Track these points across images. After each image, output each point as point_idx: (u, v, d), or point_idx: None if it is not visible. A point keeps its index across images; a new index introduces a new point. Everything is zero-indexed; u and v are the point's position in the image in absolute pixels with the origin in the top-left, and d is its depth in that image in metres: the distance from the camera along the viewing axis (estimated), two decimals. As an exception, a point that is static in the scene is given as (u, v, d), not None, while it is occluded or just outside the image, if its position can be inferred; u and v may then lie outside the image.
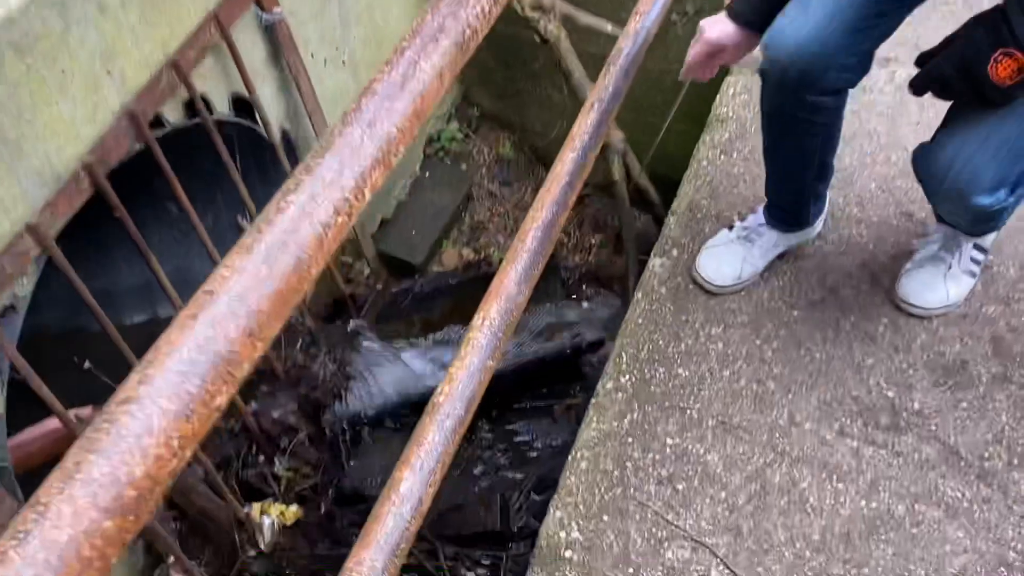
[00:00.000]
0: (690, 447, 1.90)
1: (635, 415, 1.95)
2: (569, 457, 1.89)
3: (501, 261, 3.44)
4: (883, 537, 1.77)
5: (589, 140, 1.72)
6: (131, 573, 2.28)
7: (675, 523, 1.79)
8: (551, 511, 1.81)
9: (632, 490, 1.84)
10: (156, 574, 2.31)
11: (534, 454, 3.03)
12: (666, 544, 1.77)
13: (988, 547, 1.75)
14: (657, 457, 1.88)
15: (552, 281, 3.38)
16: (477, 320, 1.42)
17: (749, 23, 1.75)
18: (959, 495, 1.82)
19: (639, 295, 2.17)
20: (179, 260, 2.78)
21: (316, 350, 2.72)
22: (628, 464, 1.88)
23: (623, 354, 2.06)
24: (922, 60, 1.57)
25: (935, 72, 1.52)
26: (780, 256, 2.18)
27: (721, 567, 1.73)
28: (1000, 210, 1.65)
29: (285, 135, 2.64)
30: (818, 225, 2.19)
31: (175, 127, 2.19)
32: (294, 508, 2.54)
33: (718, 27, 1.78)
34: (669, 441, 1.91)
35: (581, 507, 1.82)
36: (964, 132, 1.58)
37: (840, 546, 1.76)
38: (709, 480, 1.85)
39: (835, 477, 1.85)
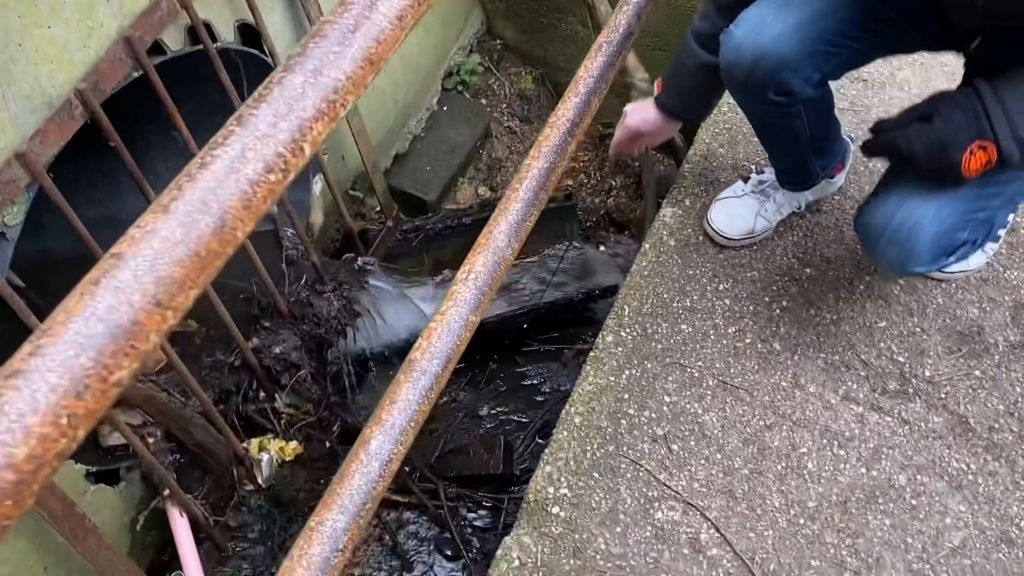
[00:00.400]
0: (688, 406, 1.84)
1: (633, 371, 1.90)
2: (563, 411, 1.85)
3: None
4: (881, 507, 1.71)
5: (595, 84, 1.63)
6: (128, 505, 2.29)
7: (667, 483, 1.74)
8: (541, 465, 1.78)
9: (625, 448, 1.80)
10: (152, 506, 2.32)
11: (541, 398, 3.00)
12: (656, 504, 1.73)
13: (990, 523, 1.69)
14: (653, 415, 1.84)
15: (569, 223, 3.31)
16: (462, 273, 1.36)
17: (674, 114, 1.90)
18: (964, 467, 1.76)
19: (646, 246, 2.10)
20: (186, 189, 2.73)
21: (321, 286, 2.67)
22: (623, 421, 1.83)
23: (625, 307, 1.99)
24: (880, 127, 1.50)
25: (903, 146, 1.44)
26: (797, 210, 2.10)
27: (712, 530, 1.69)
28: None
29: (294, 65, 2.57)
30: (839, 179, 2.10)
31: (175, 54, 2.12)
32: (294, 444, 2.53)
33: (640, 115, 1.95)
34: (667, 399, 1.86)
35: (572, 463, 1.78)
36: (906, 189, 1.50)
37: (836, 514, 1.71)
38: (705, 441, 1.80)
39: (836, 443, 1.79)
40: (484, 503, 2.73)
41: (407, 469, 2.74)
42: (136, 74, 2.02)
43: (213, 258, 0.64)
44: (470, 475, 2.74)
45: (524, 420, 2.95)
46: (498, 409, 2.98)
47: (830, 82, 1.72)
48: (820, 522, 1.70)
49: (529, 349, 3.10)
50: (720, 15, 1.70)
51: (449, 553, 2.70)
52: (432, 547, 2.72)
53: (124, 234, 0.63)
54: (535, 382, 3.07)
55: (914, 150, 1.41)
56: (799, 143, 1.80)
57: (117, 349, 0.59)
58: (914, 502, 1.72)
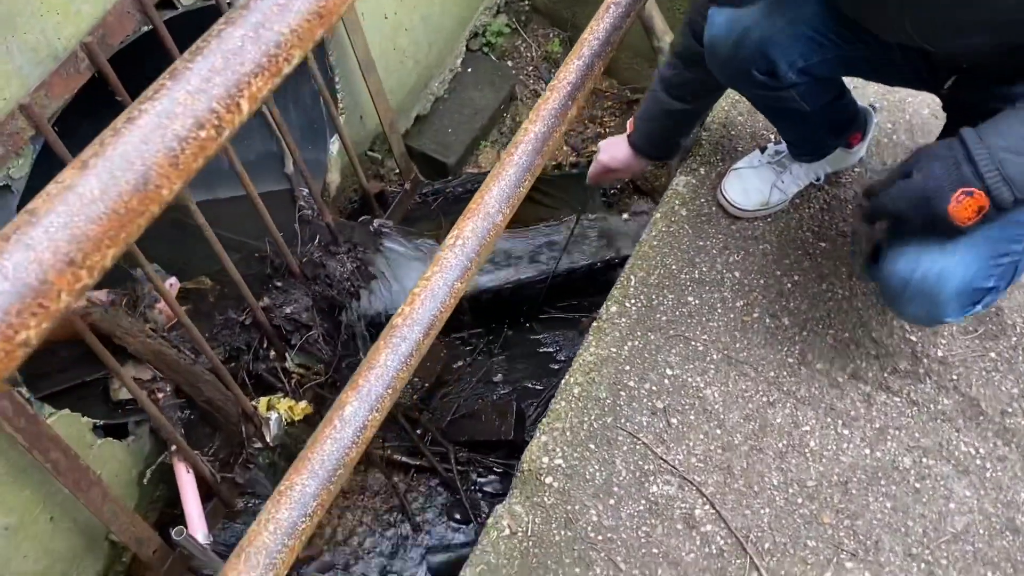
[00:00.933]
0: (690, 379, 1.81)
1: (636, 342, 1.86)
2: (562, 381, 1.82)
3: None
4: (883, 489, 1.67)
5: (599, 47, 1.59)
6: (136, 459, 2.31)
7: (664, 457, 1.72)
8: (537, 435, 1.76)
9: (623, 420, 1.77)
10: (160, 461, 2.34)
11: (556, 366, 2.98)
12: (652, 478, 1.70)
13: (996, 509, 1.65)
14: (654, 388, 1.80)
15: (592, 190, 3.26)
16: (449, 239, 1.34)
17: (643, 152, 1.99)
18: (972, 451, 1.71)
19: (657, 215, 2.05)
20: (203, 147, 2.73)
21: (335, 247, 2.66)
22: (622, 393, 1.80)
23: (632, 277, 1.96)
24: (869, 192, 1.47)
25: (891, 207, 1.41)
26: (815, 182, 2.04)
27: (706, 506, 1.66)
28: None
29: (312, 23, 2.53)
30: (859, 150, 2.03)
31: (186, 9, 2.10)
32: (303, 404, 2.53)
33: (610, 152, 2.05)
34: (668, 372, 1.82)
35: (568, 433, 1.76)
36: (923, 239, 1.43)
37: (836, 495, 1.67)
38: (705, 415, 1.76)
39: (841, 422, 1.75)
40: (495, 469, 2.73)
41: (419, 432, 2.74)
42: (145, 28, 2.00)
43: (134, 216, 0.62)
44: (481, 440, 2.74)
45: (538, 387, 2.93)
46: (512, 375, 2.96)
47: None
48: (819, 502, 1.67)
49: (546, 316, 3.07)
50: (684, 65, 1.78)
51: (458, 517, 2.70)
52: (441, 510, 2.72)
53: (41, 191, 0.61)
54: (551, 349, 3.04)
55: (900, 208, 1.39)
56: (805, 120, 1.75)
57: (23, 308, 0.57)
58: (918, 485, 1.68)
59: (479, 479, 2.75)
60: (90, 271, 0.60)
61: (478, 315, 2.95)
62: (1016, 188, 1.28)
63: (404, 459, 2.71)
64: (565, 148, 3.50)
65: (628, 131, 1.99)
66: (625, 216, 3.30)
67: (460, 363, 2.98)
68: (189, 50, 0.68)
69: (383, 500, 2.70)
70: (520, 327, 3.06)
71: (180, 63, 0.67)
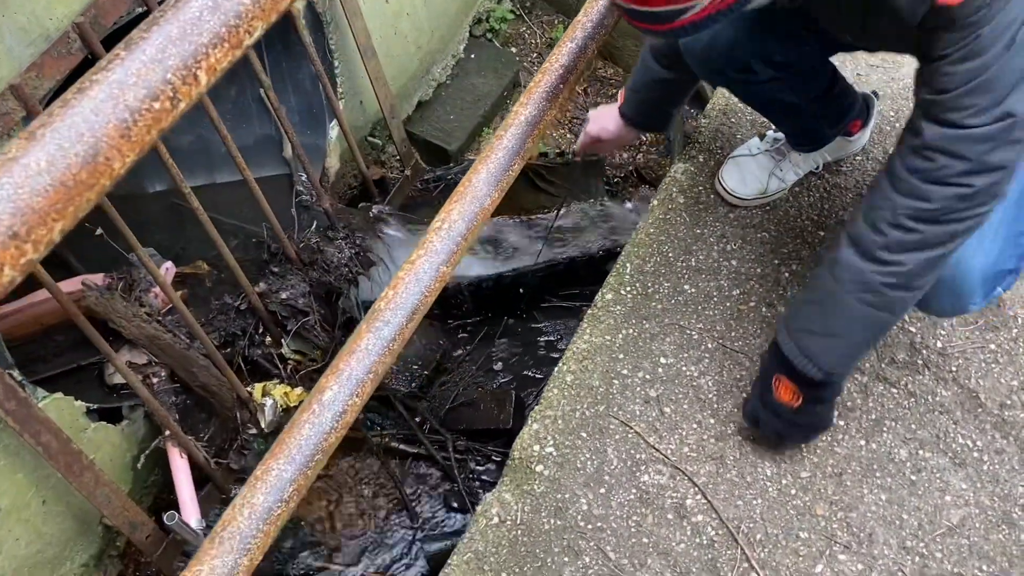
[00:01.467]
0: (684, 368, 1.79)
1: (631, 330, 1.84)
2: (555, 369, 1.80)
3: (545, 154, 3.25)
4: (878, 481, 1.65)
5: (593, 30, 1.57)
6: (130, 443, 2.30)
7: (656, 446, 1.69)
8: (529, 423, 1.74)
9: (616, 408, 1.75)
10: (154, 446, 2.33)
11: (556, 355, 2.96)
12: (643, 467, 1.68)
13: (992, 502, 1.62)
14: (647, 376, 1.78)
15: (595, 178, 3.23)
16: (436, 222, 1.32)
17: (633, 122, 1.95)
18: (970, 443, 1.68)
19: (655, 203, 2.03)
20: (202, 130, 2.72)
21: (333, 233, 2.64)
22: (616, 381, 1.78)
23: (628, 264, 1.94)
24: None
25: (747, 413, 1.60)
26: (814, 170, 2.01)
27: (698, 496, 1.64)
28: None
29: (311, 6, 2.51)
30: (859, 138, 2.00)
31: (182, -9, 2.08)
32: (299, 391, 2.52)
33: (600, 123, 2.01)
34: (663, 360, 1.80)
35: (560, 422, 1.74)
36: None
37: (830, 486, 1.65)
38: (699, 405, 1.74)
39: (836, 413, 1.72)
40: (493, 457, 2.71)
41: (417, 420, 2.73)
42: (140, 10, 1.98)
43: (83, 190, 0.61)
44: (480, 429, 2.72)
45: (538, 376, 2.91)
46: (512, 364, 2.95)
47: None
48: (812, 493, 1.64)
49: (547, 305, 3.05)
50: None
51: (456, 505, 2.68)
52: (439, 499, 2.71)
53: (-13, 161, 0.59)
54: (551, 338, 3.02)
55: (754, 415, 1.57)
56: (798, 113, 1.74)
57: (-37, 282, 0.55)
58: (913, 477, 1.65)
59: (477, 467, 2.74)
60: (36, 245, 0.58)
61: (478, 303, 2.93)
62: (822, 362, 1.41)
63: (402, 447, 2.69)
64: (569, 135, 3.47)
65: (619, 102, 1.96)
66: (629, 204, 3.27)
67: (460, 351, 2.97)
68: (146, 20, 0.67)
69: (380, 488, 2.69)
70: (520, 316, 3.03)
71: (136, 33, 0.65)
